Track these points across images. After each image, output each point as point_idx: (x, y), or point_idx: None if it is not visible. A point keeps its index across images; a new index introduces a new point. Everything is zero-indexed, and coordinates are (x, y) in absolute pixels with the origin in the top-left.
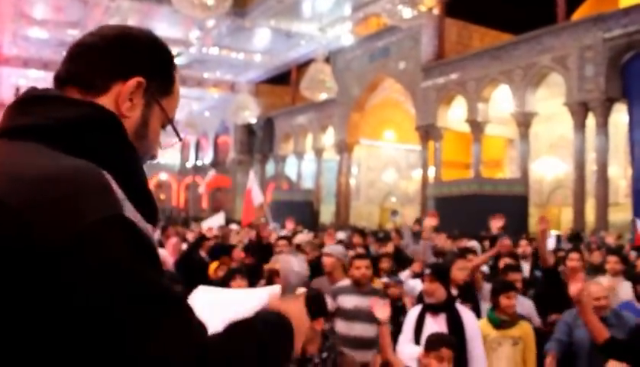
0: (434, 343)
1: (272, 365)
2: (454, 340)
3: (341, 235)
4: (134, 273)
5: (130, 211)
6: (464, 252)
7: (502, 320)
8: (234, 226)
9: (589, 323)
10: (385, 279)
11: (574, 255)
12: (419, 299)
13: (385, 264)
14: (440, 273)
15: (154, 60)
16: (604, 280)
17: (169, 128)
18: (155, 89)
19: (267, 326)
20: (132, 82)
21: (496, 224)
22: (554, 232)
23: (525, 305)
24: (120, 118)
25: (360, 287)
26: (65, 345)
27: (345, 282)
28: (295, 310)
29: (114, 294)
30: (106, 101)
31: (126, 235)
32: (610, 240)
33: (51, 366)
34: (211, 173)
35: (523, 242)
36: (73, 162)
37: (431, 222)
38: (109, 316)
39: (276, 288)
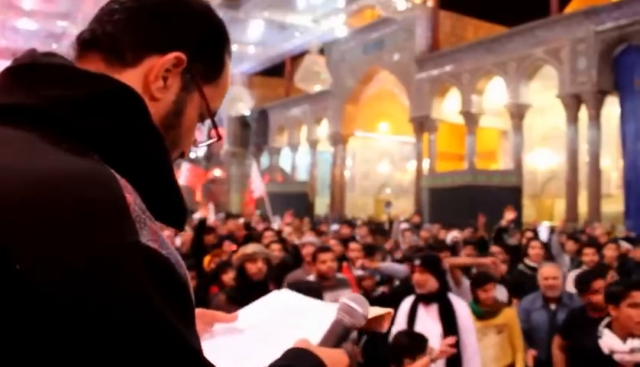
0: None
1: None
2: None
3: (334, 226)
4: (153, 324)
5: (148, 233)
6: (438, 246)
7: (485, 311)
8: (241, 220)
9: None
10: (359, 271)
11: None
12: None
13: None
14: (430, 263)
15: (204, 35)
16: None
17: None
18: (198, 72)
19: None
20: (170, 57)
21: (508, 216)
22: (546, 224)
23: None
24: (144, 99)
25: (325, 280)
26: None
27: (310, 277)
28: (336, 363)
29: (126, 353)
30: (133, 76)
31: (141, 272)
32: (599, 232)
33: None
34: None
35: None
36: (70, 163)
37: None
38: None
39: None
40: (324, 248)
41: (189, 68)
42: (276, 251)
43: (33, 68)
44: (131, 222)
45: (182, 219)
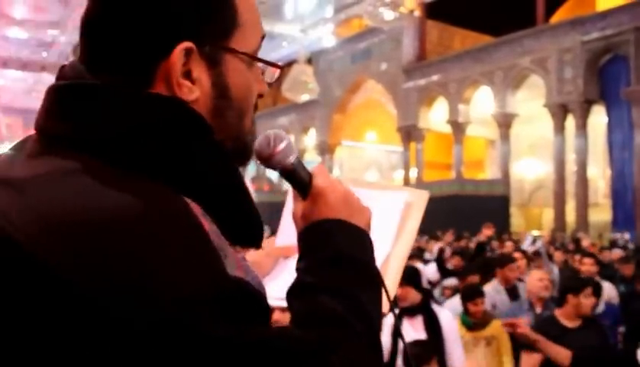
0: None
1: (378, 303)
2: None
3: None
4: (254, 348)
5: (233, 261)
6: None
7: (474, 323)
8: None
9: (548, 351)
10: None
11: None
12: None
13: None
14: (409, 276)
15: (192, 2)
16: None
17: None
18: (214, 36)
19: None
20: (177, 57)
21: (486, 232)
22: (535, 233)
23: None
24: (200, 115)
25: None
26: None
27: None
28: (347, 200)
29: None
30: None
31: (232, 308)
32: (586, 243)
33: None
34: None
35: (509, 244)
36: (137, 195)
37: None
38: None
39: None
40: None
41: (203, 43)
42: None
43: (82, 90)
44: (214, 255)
45: (258, 237)
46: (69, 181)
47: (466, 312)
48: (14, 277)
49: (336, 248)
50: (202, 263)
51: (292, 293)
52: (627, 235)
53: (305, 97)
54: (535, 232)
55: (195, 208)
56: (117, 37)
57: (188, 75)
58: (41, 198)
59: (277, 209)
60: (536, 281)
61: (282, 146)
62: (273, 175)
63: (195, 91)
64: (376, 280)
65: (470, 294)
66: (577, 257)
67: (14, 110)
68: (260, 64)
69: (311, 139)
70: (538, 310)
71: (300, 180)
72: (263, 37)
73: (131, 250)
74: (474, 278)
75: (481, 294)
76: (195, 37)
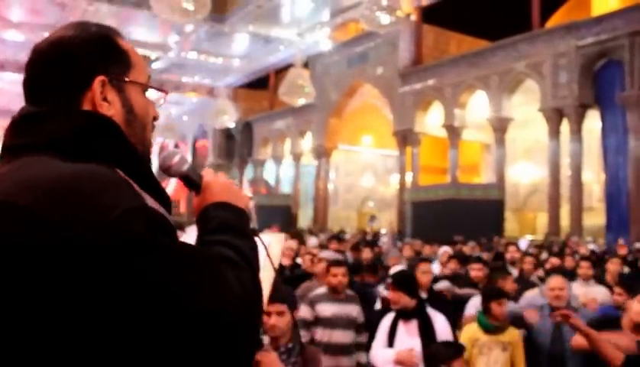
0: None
1: (251, 253)
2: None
3: (314, 240)
4: (169, 249)
5: (150, 201)
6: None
7: (494, 326)
8: None
9: (599, 348)
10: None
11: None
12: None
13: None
14: (401, 281)
15: (99, 51)
16: (577, 287)
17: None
18: (118, 72)
19: (238, 236)
20: (97, 87)
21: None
22: (528, 237)
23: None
24: (115, 122)
25: (336, 294)
26: (117, 328)
27: (321, 290)
28: (228, 189)
29: (160, 274)
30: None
31: (153, 223)
32: (583, 250)
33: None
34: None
35: (512, 248)
36: (86, 165)
37: None
38: (158, 292)
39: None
40: (337, 262)
41: (112, 77)
42: None
43: (33, 115)
44: (138, 193)
45: (167, 205)
46: (38, 165)
47: (487, 312)
48: (18, 230)
49: (220, 219)
50: (130, 195)
51: None
52: (622, 241)
53: (301, 101)
54: (529, 237)
55: (121, 173)
56: (53, 81)
57: (105, 99)
58: (23, 176)
59: (275, 211)
60: (548, 290)
61: (176, 159)
62: (270, 179)
63: (111, 109)
64: (250, 238)
65: (496, 294)
66: (546, 257)
67: (11, 113)
68: (151, 97)
69: (307, 143)
70: (558, 318)
71: (193, 181)
72: (149, 77)
73: (87, 194)
74: (508, 277)
75: (506, 295)
76: (105, 73)
